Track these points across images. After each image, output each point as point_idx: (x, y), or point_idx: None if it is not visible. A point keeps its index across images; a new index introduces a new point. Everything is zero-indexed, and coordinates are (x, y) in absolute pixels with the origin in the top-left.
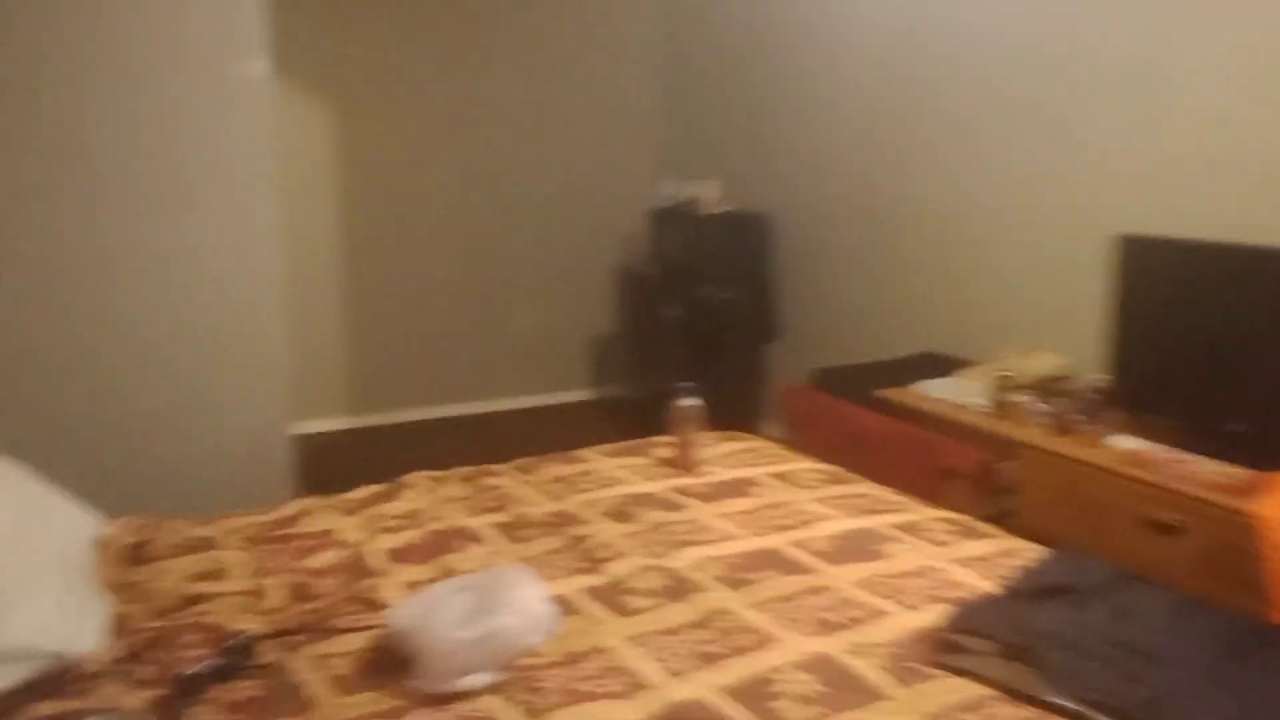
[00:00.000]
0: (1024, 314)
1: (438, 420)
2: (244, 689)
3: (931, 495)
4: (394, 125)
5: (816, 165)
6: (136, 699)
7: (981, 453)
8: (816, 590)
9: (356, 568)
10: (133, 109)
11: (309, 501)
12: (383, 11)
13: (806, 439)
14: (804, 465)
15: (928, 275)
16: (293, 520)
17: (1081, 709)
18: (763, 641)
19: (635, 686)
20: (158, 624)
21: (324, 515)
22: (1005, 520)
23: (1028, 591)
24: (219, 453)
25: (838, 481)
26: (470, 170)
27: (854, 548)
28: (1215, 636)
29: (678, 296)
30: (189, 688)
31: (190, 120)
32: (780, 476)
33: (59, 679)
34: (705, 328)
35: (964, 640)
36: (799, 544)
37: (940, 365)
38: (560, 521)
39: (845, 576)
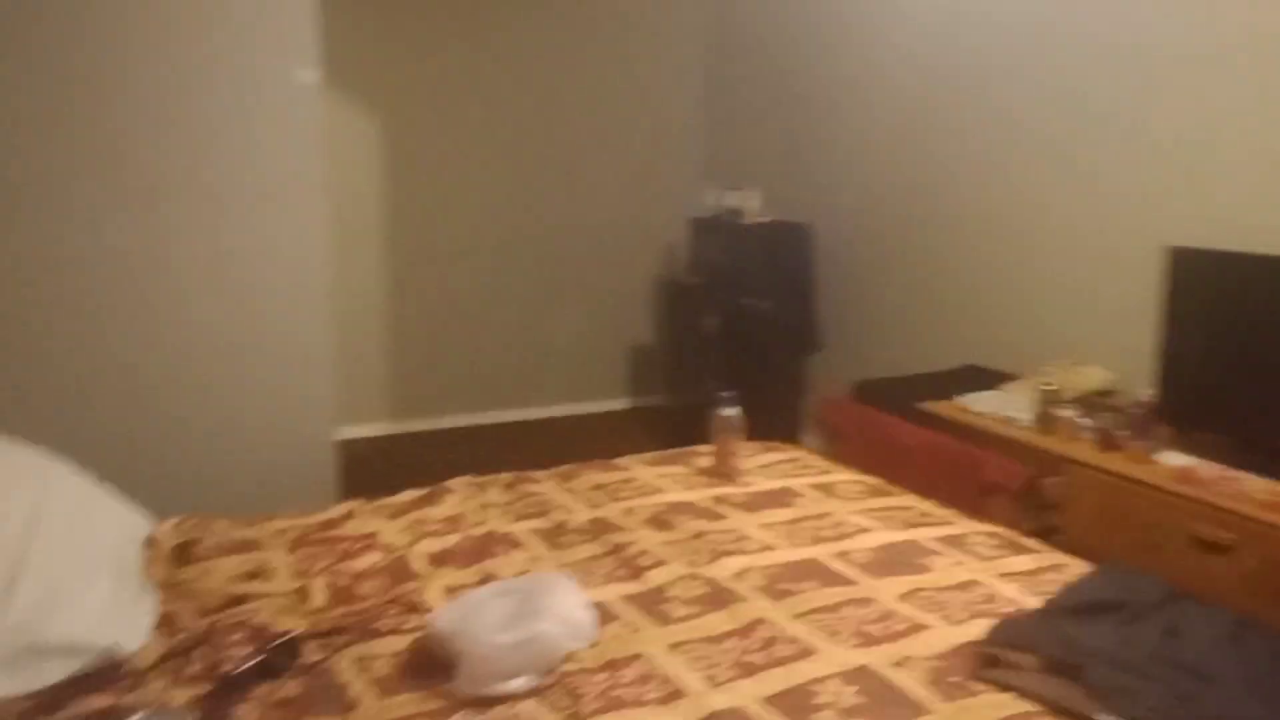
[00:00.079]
0: (1070, 327)
1: (479, 427)
2: (287, 688)
3: (974, 510)
4: (438, 135)
5: (858, 175)
6: (183, 696)
7: (1025, 468)
8: (858, 602)
9: (399, 571)
10: (185, 115)
11: (353, 505)
12: (429, 21)
13: (846, 451)
14: (845, 477)
15: (971, 287)
16: (337, 523)
17: None
18: (804, 652)
19: (675, 694)
20: (204, 622)
21: (367, 519)
22: (1049, 536)
23: (1073, 607)
24: (265, 456)
25: (879, 494)
26: (512, 179)
27: (896, 560)
28: (1268, 656)
29: (718, 306)
30: (233, 686)
31: (243, 127)
32: (821, 488)
33: (108, 674)
34: (745, 338)
35: (1006, 654)
36: (840, 555)
37: (984, 378)
38: (600, 529)
39: (887, 589)
